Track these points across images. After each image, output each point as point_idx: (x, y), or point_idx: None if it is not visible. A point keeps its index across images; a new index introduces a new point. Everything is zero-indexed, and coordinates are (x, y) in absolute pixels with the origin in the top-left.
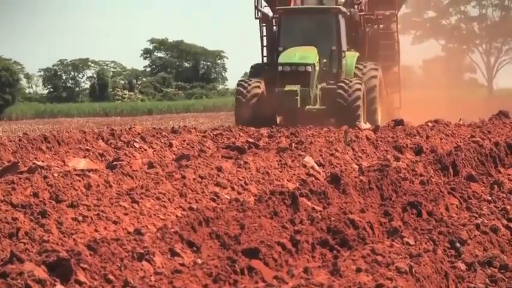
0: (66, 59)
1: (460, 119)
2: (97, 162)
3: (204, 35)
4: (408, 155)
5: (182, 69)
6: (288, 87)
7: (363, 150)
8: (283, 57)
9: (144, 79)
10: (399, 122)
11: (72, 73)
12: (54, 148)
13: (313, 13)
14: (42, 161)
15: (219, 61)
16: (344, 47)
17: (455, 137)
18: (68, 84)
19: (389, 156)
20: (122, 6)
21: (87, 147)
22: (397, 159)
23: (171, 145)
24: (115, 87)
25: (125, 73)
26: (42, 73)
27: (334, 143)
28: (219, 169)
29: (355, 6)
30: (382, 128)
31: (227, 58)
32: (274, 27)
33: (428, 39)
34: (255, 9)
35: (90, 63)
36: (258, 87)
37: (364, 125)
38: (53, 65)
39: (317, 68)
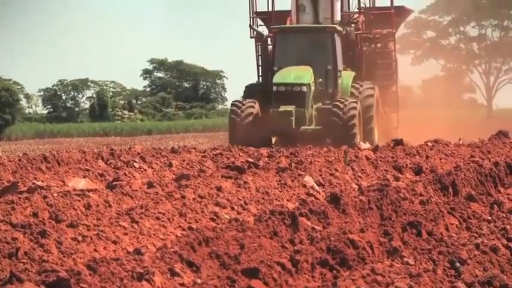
0: (66, 79)
1: (460, 139)
2: (97, 182)
3: (204, 55)
4: (408, 175)
5: (182, 89)
6: (282, 108)
7: (362, 170)
8: (278, 77)
9: (143, 99)
10: (399, 142)
11: (72, 93)
12: (54, 168)
13: (309, 32)
14: (42, 181)
15: (218, 81)
16: (340, 66)
17: (455, 156)
18: (68, 104)
19: (389, 176)
20: (121, 26)
21: (87, 167)
22: (397, 179)
23: (170, 165)
24: (115, 107)
25: (124, 93)
26: (42, 93)
27: (334, 162)
28: (219, 189)
29: (352, 25)
30: (381, 147)
31: (227, 78)
32: (269, 47)
33: (427, 59)
34: (250, 28)
35: (89, 84)
36: (252, 107)
37: (364, 145)
38: (53, 85)
39: (312, 88)
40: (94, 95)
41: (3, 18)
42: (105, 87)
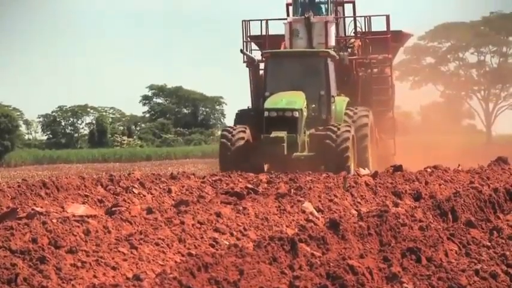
0: (65, 105)
1: (459, 165)
2: (96, 208)
3: (203, 81)
4: (407, 201)
5: (181, 115)
6: (274, 134)
7: (361, 196)
8: (269, 103)
9: (143, 125)
10: (398, 168)
11: (71, 119)
12: (53, 194)
13: (301, 57)
14: (41, 207)
15: (218, 107)
16: (333, 91)
17: (454, 182)
18: (67, 131)
19: (388, 202)
20: (120, 53)
21: (86, 193)
22: (396, 204)
23: (170, 191)
24: (114, 134)
25: (123, 119)
26: (41, 119)
27: (333, 188)
28: (218, 215)
29: (349, 50)
30: (380, 173)
31: (226, 104)
32: (261, 72)
33: (426, 84)
34: (241, 52)
35: (89, 110)
36: (243, 133)
37: (363, 171)
38: (52, 111)
39: (305, 113)
40: (93, 121)
41: (2, 44)
42: (104, 113)
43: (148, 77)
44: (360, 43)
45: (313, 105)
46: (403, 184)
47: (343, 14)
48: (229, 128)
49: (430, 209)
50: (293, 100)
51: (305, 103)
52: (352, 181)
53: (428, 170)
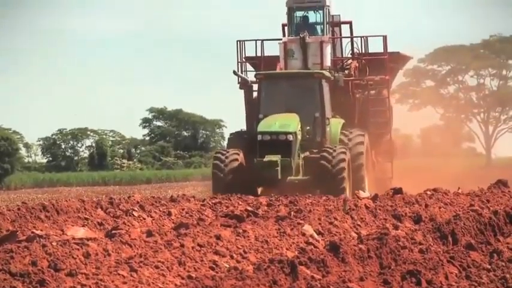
0: (65, 128)
1: (459, 188)
2: (96, 231)
3: (203, 103)
4: (407, 224)
5: (181, 138)
6: (267, 158)
7: (361, 218)
8: (263, 126)
9: (143, 148)
10: (398, 191)
11: (71, 142)
12: (53, 217)
13: (295, 78)
14: (41, 230)
15: (218, 130)
16: (328, 113)
17: (454, 205)
18: (67, 153)
19: (388, 224)
20: (120, 75)
21: (86, 216)
22: (396, 227)
23: (169, 214)
24: (114, 156)
25: (123, 142)
26: (41, 142)
27: (333, 211)
28: (218, 237)
29: (345, 71)
30: (380, 196)
31: (226, 127)
32: (255, 93)
33: (426, 107)
34: (234, 74)
35: (89, 133)
36: (237, 157)
37: (363, 194)
38: (52, 134)
39: (299, 136)
40: (93, 144)
41: (2, 67)
42: (104, 136)
43: (149, 99)
44: (357, 64)
45: (308, 128)
46: (403, 207)
47: (340, 35)
48: (222, 151)
49: (430, 232)
50: (287, 123)
51: (299, 126)
52: (352, 204)
53: (428, 192)
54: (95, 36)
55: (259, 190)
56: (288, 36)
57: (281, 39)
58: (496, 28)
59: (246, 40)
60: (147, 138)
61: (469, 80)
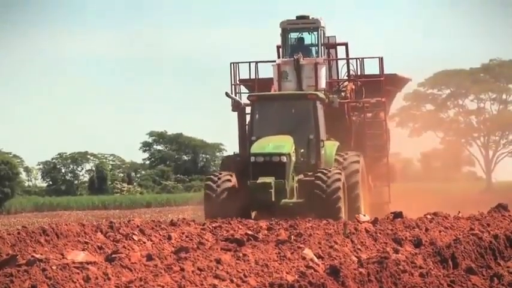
0: (65, 152)
1: (459, 212)
2: (96, 255)
3: (203, 127)
4: (407, 248)
5: (181, 162)
6: (261, 180)
7: (362, 242)
8: (256, 147)
9: (143, 172)
10: (398, 215)
11: (71, 166)
12: (53, 241)
13: (289, 100)
14: (41, 254)
15: (218, 154)
16: (323, 135)
17: (454, 229)
18: (67, 177)
19: (388, 248)
20: (120, 99)
21: (86, 240)
22: (397, 251)
23: (170, 237)
24: (114, 180)
25: (124, 166)
26: (41, 166)
27: (333, 235)
28: (218, 261)
29: (342, 94)
30: (381, 220)
31: (226, 151)
32: (248, 116)
33: (426, 131)
34: (226, 96)
35: (89, 156)
36: (229, 180)
37: (363, 218)
38: (52, 158)
39: (293, 158)
40: (93, 168)
41: (2, 92)
42: (104, 160)
43: (149, 123)
44: (353, 86)
45: (302, 150)
46: (403, 231)
47: (336, 57)
48: (214, 174)
49: (430, 256)
50: (281, 144)
51: (293, 147)
52: (352, 228)
53: (429, 216)
54: (95, 61)
55: (253, 214)
56: (283, 58)
57: (275, 61)
58: (496, 52)
59: (240, 62)
60: (147, 162)
61: (469, 104)
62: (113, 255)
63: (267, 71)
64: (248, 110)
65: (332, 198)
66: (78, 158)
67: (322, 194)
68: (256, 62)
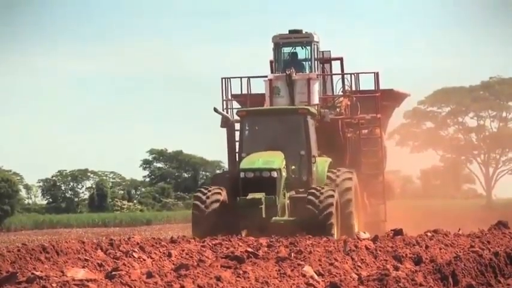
0: (65, 170)
1: (459, 229)
2: (96, 272)
3: (203, 145)
4: (408, 265)
5: (181, 179)
6: (251, 196)
7: (362, 259)
8: (245, 163)
9: (143, 189)
10: (398, 232)
11: (71, 184)
12: (53, 258)
13: (279, 115)
14: (41, 271)
15: (218, 171)
16: (314, 151)
17: (454, 246)
18: (67, 195)
19: (388, 265)
20: (120, 117)
21: (86, 257)
22: (397, 268)
23: (170, 255)
24: (114, 198)
25: (124, 183)
26: (41, 184)
27: (333, 252)
28: (218, 279)
29: (337, 109)
30: (381, 237)
31: (226, 168)
32: (238, 132)
33: (426, 149)
34: (215, 111)
35: (89, 174)
36: (219, 194)
37: (363, 235)
38: (52, 176)
39: (284, 174)
40: (93, 186)
41: (2, 109)
42: (104, 177)
43: (149, 141)
44: (348, 102)
45: (293, 167)
46: (403, 248)
47: (331, 72)
48: (203, 190)
49: (430, 273)
50: (271, 160)
51: (284, 163)
52: (352, 245)
53: (429, 234)
54: (93, 77)
55: (244, 232)
56: (275, 73)
57: (266, 76)
58: (495, 70)
59: (232, 77)
60: (148, 179)
61: (469, 122)
62: (113, 273)
63: (260, 87)
64: (238, 126)
65: (324, 214)
66: (78, 176)
67: (314, 209)
68: (249, 77)
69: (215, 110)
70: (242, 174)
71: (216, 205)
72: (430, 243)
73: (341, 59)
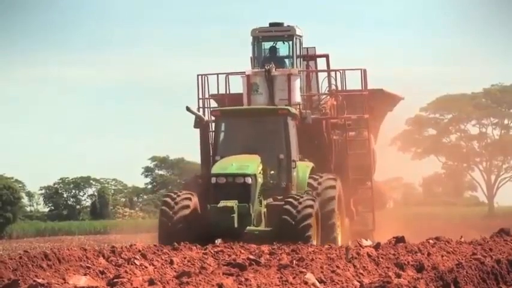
0: (67, 177)
1: (461, 237)
2: (98, 280)
3: None
4: (410, 272)
5: None
6: (222, 203)
7: (364, 267)
8: (218, 167)
9: (145, 197)
10: (400, 239)
11: (73, 191)
12: (55, 265)
13: (257, 115)
14: (43, 279)
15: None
16: (294, 155)
17: (456, 254)
18: (69, 202)
19: (390, 273)
20: (122, 124)
21: (88, 265)
22: (399, 276)
23: (171, 262)
24: (116, 205)
25: (125, 191)
26: (43, 191)
27: (335, 259)
28: (220, 286)
29: (322, 110)
30: (383, 245)
31: None
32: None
33: (428, 155)
34: (187, 110)
35: (91, 181)
36: (189, 200)
37: (365, 242)
38: (54, 183)
39: (259, 179)
40: (95, 193)
41: (4, 116)
42: (106, 184)
43: (150, 148)
44: (334, 102)
45: (272, 172)
46: (405, 255)
47: (316, 69)
48: (172, 194)
49: (432, 281)
50: (245, 164)
51: (260, 168)
52: (354, 252)
53: (431, 241)
54: (95, 85)
55: (218, 241)
56: (252, 68)
57: (244, 73)
58: (497, 77)
59: (209, 74)
60: (149, 186)
61: (471, 129)
62: (115, 280)
63: (241, 86)
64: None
65: (302, 226)
66: (80, 183)
67: (291, 220)
68: (227, 74)
69: (187, 109)
70: (213, 180)
71: (186, 212)
72: (432, 250)
73: (327, 56)
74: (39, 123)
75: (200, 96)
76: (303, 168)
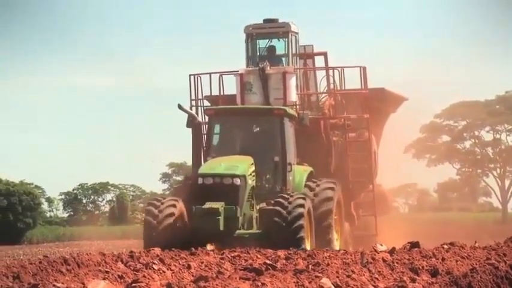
0: (86, 183)
1: (476, 242)
2: (116, 284)
3: None
4: (424, 277)
5: None
6: (208, 205)
7: (379, 271)
8: (205, 167)
9: None
10: (415, 245)
11: (92, 197)
12: (74, 270)
13: (252, 115)
14: (62, 283)
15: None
16: (291, 158)
17: (471, 259)
18: (88, 208)
19: (405, 278)
20: (141, 131)
21: (107, 270)
22: (413, 280)
23: (189, 267)
24: (134, 211)
25: (144, 196)
26: (62, 197)
27: (351, 264)
28: None
29: (321, 110)
30: (398, 250)
31: None
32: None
33: (443, 162)
34: (179, 108)
35: (110, 187)
36: (173, 206)
37: (380, 247)
38: (73, 189)
39: (250, 181)
40: (114, 199)
41: (25, 123)
42: (124, 190)
43: (168, 155)
44: (333, 102)
45: (268, 176)
46: (420, 260)
47: (314, 67)
48: (155, 202)
49: (447, 285)
50: (235, 165)
51: (252, 170)
52: (369, 257)
53: (445, 246)
54: (116, 92)
55: (209, 246)
56: (247, 67)
57: (237, 71)
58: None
59: (202, 74)
60: (167, 192)
61: (485, 135)
62: (133, 284)
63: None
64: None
65: (293, 227)
66: (99, 189)
67: (282, 221)
68: (221, 74)
69: (179, 107)
70: (200, 180)
71: (170, 220)
72: (447, 255)
73: (325, 54)
74: (58, 130)
75: (193, 97)
76: (300, 172)
